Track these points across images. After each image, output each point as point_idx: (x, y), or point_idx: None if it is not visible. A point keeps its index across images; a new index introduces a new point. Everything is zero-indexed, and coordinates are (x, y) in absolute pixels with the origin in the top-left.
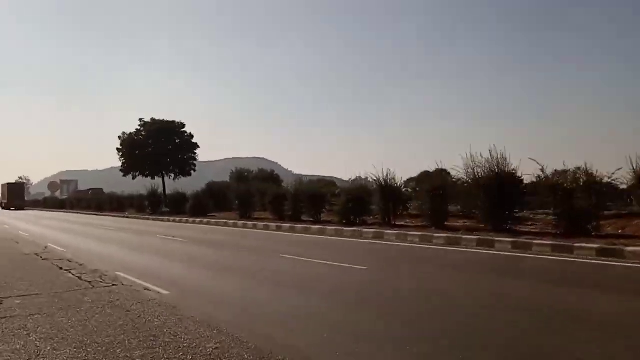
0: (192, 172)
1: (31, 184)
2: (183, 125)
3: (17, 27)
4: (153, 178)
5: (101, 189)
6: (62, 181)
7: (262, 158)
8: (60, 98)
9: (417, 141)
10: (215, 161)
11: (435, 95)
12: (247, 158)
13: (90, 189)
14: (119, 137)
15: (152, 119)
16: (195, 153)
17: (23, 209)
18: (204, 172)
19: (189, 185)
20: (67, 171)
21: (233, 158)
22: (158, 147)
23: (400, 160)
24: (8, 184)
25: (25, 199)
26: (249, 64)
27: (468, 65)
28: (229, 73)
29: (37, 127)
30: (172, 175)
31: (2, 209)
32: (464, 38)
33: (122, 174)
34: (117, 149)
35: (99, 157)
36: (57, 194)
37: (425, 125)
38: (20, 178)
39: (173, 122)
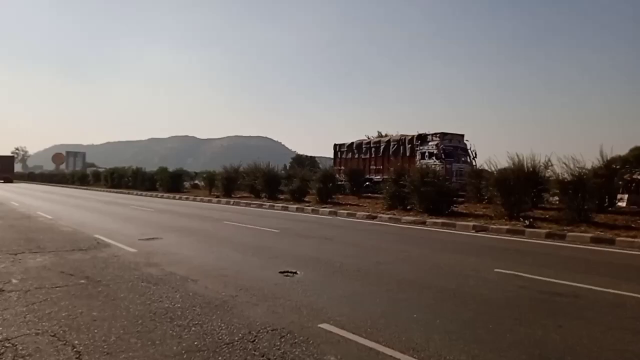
0: None
1: (28, 156)
2: None
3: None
4: None
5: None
6: (68, 153)
7: (267, 137)
8: (57, 72)
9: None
10: (217, 139)
11: (442, 78)
12: (250, 137)
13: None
14: None
15: None
16: None
17: (12, 182)
18: (205, 149)
19: (188, 164)
20: (62, 144)
21: (235, 136)
22: None
23: None
24: None
25: (22, 171)
26: (251, 40)
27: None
28: (233, 50)
29: (32, 99)
30: None
31: None
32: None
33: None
34: None
35: (95, 133)
36: (62, 167)
37: (432, 107)
38: (17, 149)
39: None
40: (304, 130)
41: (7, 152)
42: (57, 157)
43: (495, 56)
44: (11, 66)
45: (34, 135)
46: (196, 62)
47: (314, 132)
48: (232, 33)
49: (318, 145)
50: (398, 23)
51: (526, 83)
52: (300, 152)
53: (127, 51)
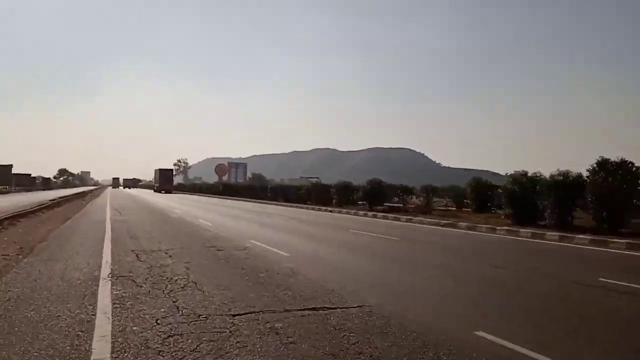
0: None
1: (189, 167)
2: None
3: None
4: None
5: None
6: (229, 163)
7: (408, 149)
8: (207, 88)
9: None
10: (357, 151)
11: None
12: (390, 149)
13: None
14: None
15: None
16: None
17: (171, 192)
18: (346, 161)
19: (329, 177)
20: (214, 158)
21: (376, 148)
22: None
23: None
24: (160, 169)
25: (183, 182)
26: (390, 49)
27: None
28: (371, 59)
29: (186, 115)
30: None
31: (154, 191)
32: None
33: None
34: None
35: (241, 146)
36: (225, 178)
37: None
38: (179, 161)
39: None
40: (449, 141)
41: (169, 163)
42: (220, 169)
43: None
44: (167, 85)
45: (189, 149)
46: (335, 74)
47: (459, 144)
48: (372, 43)
49: (465, 157)
50: (559, 16)
51: None
52: (445, 164)
53: (270, 66)
